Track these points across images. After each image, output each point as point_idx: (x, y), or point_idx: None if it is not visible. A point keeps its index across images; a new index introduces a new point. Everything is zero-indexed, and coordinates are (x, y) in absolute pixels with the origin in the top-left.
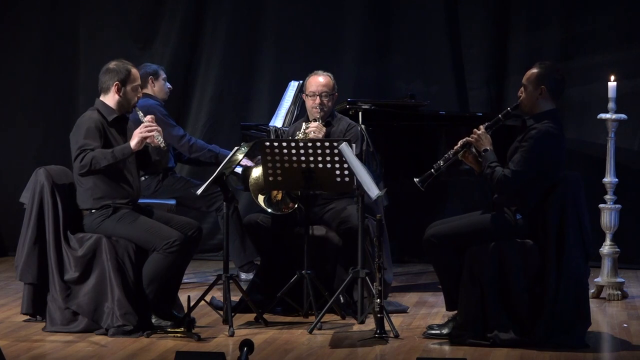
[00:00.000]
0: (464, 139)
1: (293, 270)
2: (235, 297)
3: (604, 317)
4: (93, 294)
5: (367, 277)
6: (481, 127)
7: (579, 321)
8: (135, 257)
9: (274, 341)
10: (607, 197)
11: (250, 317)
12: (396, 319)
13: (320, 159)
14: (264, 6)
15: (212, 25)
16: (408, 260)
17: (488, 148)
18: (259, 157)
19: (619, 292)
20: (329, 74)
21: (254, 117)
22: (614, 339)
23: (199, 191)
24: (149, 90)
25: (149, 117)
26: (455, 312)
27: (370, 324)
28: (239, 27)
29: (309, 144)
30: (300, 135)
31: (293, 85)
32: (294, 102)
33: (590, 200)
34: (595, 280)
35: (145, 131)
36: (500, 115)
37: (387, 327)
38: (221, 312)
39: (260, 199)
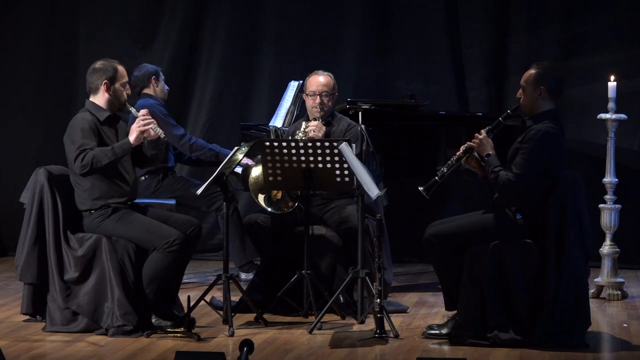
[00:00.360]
0: (466, 144)
1: (293, 270)
2: (235, 297)
3: (604, 317)
4: (93, 294)
5: (367, 277)
6: (482, 131)
7: (579, 321)
8: (135, 257)
9: (274, 341)
10: (607, 197)
11: (250, 317)
12: (396, 319)
13: (320, 158)
14: (264, 6)
15: (212, 25)
16: (408, 260)
17: (490, 152)
18: (259, 156)
19: (619, 292)
20: (329, 74)
21: (254, 117)
22: (613, 339)
23: (199, 191)
24: (150, 90)
25: (143, 110)
26: (455, 312)
27: (370, 324)
28: (239, 27)
29: (309, 144)
30: (300, 135)
31: (293, 85)
32: (294, 102)
33: (590, 200)
34: (595, 280)
35: (142, 125)
36: (500, 119)
37: (387, 327)
38: (221, 312)
39: (261, 198)
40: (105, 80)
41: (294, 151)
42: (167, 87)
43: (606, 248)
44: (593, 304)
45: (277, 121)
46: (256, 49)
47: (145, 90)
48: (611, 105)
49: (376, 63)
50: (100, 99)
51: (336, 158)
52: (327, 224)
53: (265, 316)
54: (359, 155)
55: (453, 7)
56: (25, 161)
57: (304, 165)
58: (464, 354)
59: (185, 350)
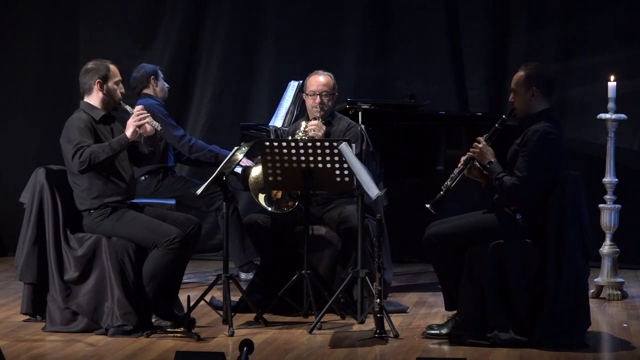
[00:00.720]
0: (466, 155)
1: (293, 270)
2: (235, 297)
3: (604, 317)
4: (93, 293)
5: (367, 277)
6: (480, 139)
7: (578, 321)
8: (135, 257)
9: (273, 341)
10: (607, 197)
11: (250, 317)
12: (396, 319)
13: (320, 158)
14: (264, 6)
15: (212, 25)
16: (408, 260)
17: (492, 160)
18: (259, 157)
19: (619, 292)
20: (329, 74)
21: (254, 117)
22: (613, 339)
23: (199, 191)
24: (149, 90)
25: (139, 106)
26: (455, 312)
27: (370, 323)
28: (239, 27)
29: (309, 144)
30: (300, 134)
31: (293, 85)
32: (293, 102)
33: (590, 200)
34: (595, 280)
35: (137, 119)
36: (497, 125)
37: (386, 327)
38: (221, 312)
39: (261, 197)
40: (98, 80)
41: (293, 151)
42: (167, 86)
43: (606, 248)
44: (593, 304)
45: (277, 121)
46: (256, 49)
47: (145, 91)
48: (611, 105)
49: (376, 63)
50: (94, 98)
51: (336, 158)
52: (327, 224)
53: (265, 316)
54: (358, 155)
55: (453, 7)
56: (25, 161)
57: (304, 165)
58: (464, 354)
59: (185, 350)
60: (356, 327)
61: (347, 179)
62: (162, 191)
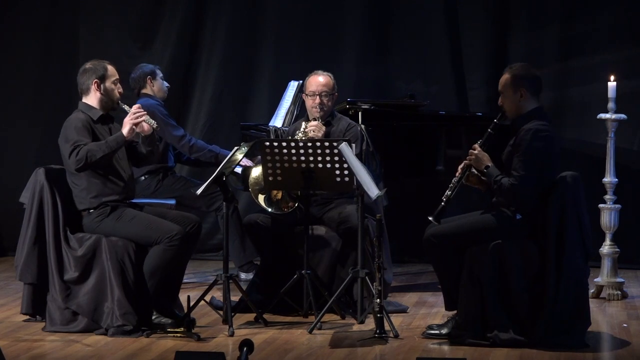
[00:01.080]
0: (463, 164)
1: (293, 270)
2: (235, 297)
3: (604, 317)
4: (93, 293)
5: (366, 277)
6: (475, 146)
7: (578, 321)
8: (135, 257)
9: (273, 341)
10: (607, 197)
11: (250, 317)
12: (396, 319)
13: (320, 158)
14: (264, 6)
15: (212, 25)
16: (408, 260)
17: (489, 165)
18: (259, 157)
19: (619, 292)
20: (329, 74)
21: (254, 117)
22: (613, 338)
23: (199, 191)
24: (147, 90)
25: (136, 105)
26: (455, 312)
27: (370, 323)
28: (239, 27)
29: (309, 144)
30: (299, 135)
31: (293, 85)
32: (293, 102)
33: (590, 200)
34: (595, 280)
35: (134, 117)
36: (489, 130)
37: (386, 327)
38: (221, 312)
39: (261, 198)
40: (96, 80)
41: (293, 151)
42: (167, 85)
43: (606, 248)
44: (593, 304)
45: (277, 121)
46: (256, 49)
47: (143, 91)
48: (611, 105)
49: (376, 63)
50: (92, 99)
51: (336, 158)
52: (327, 224)
53: (265, 316)
54: (358, 155)
55: (453, 7)
56: (25, 161)
57: (303, 165)
58: (464, 354)
59: (185, 350)
60: (356, 327)
61: (347, 179)
62: (162, 191)
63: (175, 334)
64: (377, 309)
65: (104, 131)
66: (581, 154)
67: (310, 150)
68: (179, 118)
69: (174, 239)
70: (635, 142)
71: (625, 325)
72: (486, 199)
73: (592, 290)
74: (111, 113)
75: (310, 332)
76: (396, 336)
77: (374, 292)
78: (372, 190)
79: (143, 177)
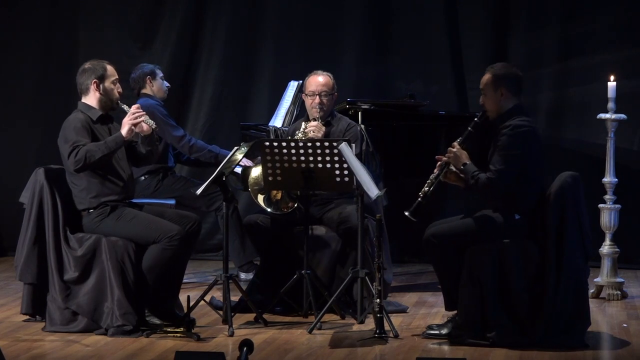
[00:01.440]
0: (441, 161)
1: (293, 270)
2: (235, 297)
3: (604, 317)
4: (93, 293)
5: (366, 277)
6: (454, 144)
7: (578, 321)
8: (135, 257)
9: (273, 341)
10: (607, 197)
11: (250, 317)
12: (396, 319)
13: (320, 158)
14: (264, 6)
15: (212, 25)
16: (408, 260)
17: (467, 162)
18: (259, 157)
19: (619, 292)
20: (329, 74)
21: (254, 117)
22: (613, 338)
23: (199, 191)
24: (147, 90)
25: (135, 105)
26: (455, 312)
27: (369, 323)
28: (239, 27)
29: (309, 144)
30: (299, 135)
31: (293, 85)
32: (293, 102)
33: (590, 200)
34: (595, 280)
35: (132, 118)
36: (470, 128)
37: (386, 327)
38: (221, 312)
39: (260, 198)
40: (95, 80)
41: (293, 151)
42: (167, 84)
43: (606, 248)
44: (593, 304)
45: (277, 121)
46: (256, 49)
47: (143, 91)
48: (611, 105)
49: (376, 63)
50: (91, 99)
51: (336, 158)
52: (327, 224)
53: (265, 316)
54: (358, 155)
55: (453, 7)
56: (25, 161)
57: (303, 165)
58: (464, 354)
59: (185, 350)
60: (356, 327)
61: (347, 179)
62: (162, 191)
63: (175, 334)
64: (377, 309)
65: (104, 131)
66: (581, 154)
67: (310, 150)
68: (179, 118)
69: (173, 239)
70: (635, 142)
71: (625, 325)
72: (469, 197)
73: (592, 290)
74: (110, 113)
75: (310, 332)
76: (396, 336)
77: (373, 292)
78: (372, 190)
79: (143, 177)
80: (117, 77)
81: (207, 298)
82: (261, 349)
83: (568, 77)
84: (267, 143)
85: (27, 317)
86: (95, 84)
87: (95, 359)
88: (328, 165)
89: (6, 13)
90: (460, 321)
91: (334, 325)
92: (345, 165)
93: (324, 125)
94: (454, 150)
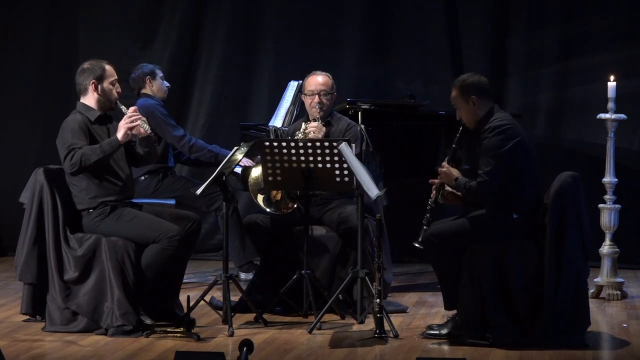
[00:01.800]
0: (435, 184)
1: (293, 270)
2: (235, 297)
3: (604, 317)
4: (93, 293)
5: (366, 277)
6: (444, 164)
7: (578, 321)
8: (135, 257)
9: (273, 341)
10: (607, 197)
11: (250, 317)
12: (396, 319)
13: (320, 159)
14: (264, 6)
15: (212, 25)
16: (408, 260)
17: (458, 177)
18: (259, 157)
19: (619, 292)
20: (327, 74)
21: (254, 117)
22: (613, 338)
23: (199, 191)
24: (147, 90)
25: (132, 108)
26: (455, 312)
27: (369, 323)
28: (239, 27)
29: (309, 144)
30: (299, 135)
31: (293, 85)
32: (293, 102)
33: (590, 200)
34: (595, 280)
35: (129, 121)
36: (454, 145)
37: (386, 327)
38: (221, 312)
39: (260, 198)
40: (93, 80)
41: (293, 151)
42: (167, 84)
43: (606, 248)
44: (593, 303)
45: (277, 121)
46: (256, 49)
47: (143, 91)
48: (611, 105)
49: (376, 63)
50: (90, 99)
51: (336, 158)
52: (327, 224)
53: (265, 316)
54: (358, 155)
55: (453, 7)
56: (25, 161)
57: (303, 165)
58: (464, 354)
59: (185, 350)
60: (356, 327)
61: (347, 179)
62: (162, 191)
63: (175, 334)
64: (377, 309)
65: (102, 132)
66: (581, 154)
67: (310, 151)
68: (179, 118)
69: (173, 239)
70: (635, 142)
71: (625, 325)
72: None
73: (591, 290)
74: (109, 113)
75: (310, 332)
76: (396, 336)
77: (373, 292)
78: (372, 190)
79: (143, 177)
80: (115, 77)
81: (207, 298)
82: (261, 349)
83: (568, 77)
84: (267, 143)
85: (27, 317)
86: (93, 85)
87: (95, 359)
88: (328, 165)
89: (6, 13)
90: (460, 321)
91: (334, 325)
92: (345, 165)
93: (323, 125)
94: (444, 169)
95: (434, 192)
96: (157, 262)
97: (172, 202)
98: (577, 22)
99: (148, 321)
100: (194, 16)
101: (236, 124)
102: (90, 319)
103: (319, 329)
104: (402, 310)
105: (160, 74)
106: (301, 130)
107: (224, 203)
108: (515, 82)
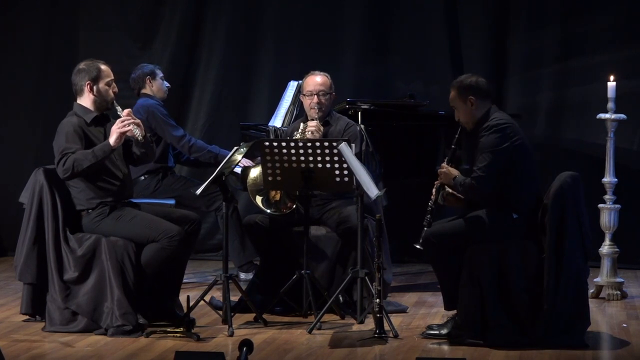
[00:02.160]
0: (435, 186)
1: (292, 270)
2: (235, 297)
3: (604, 317)
4: (92, 293)
5: (366, 277)
6: (443, 164)
7: (578, 321)
8: (135, 257)
9: (273, 341)
10: (607, 197)
11: (250, 317)
12: (395, 319)
13: (319, 159)
14: (264, 6)
15: (212, 25)
16: (408, 260)
17: (456, 175)
18: (259, 157)
19: (619, 292)
20: (326, 74)
21: (254, 117)
22: (613, 338)
23: (199, 191)
24: (147, 90)
25: (126, 110)
26: (455, 311)
27: (369, 323)
28: (239, 27)
29: (309, 144)
30: (298, 135)
31: (292, 85)
32: (293, 102)
33: (590, 200)
34: (595, 280)
35: (122, 126)
36: (453, 146)
37: (386, 327)
38: (220, 312)
39: (258, 199)
40: (88, 81)
41: (293, 151)
42: (167, 84)
43: (605, 248)
44: (592, 303)
45: (277, 121)
46: (256, 49)
47: (143, 91)
48: (611, 105)
49: (376, 63)
50: (86, 100)
51: (335, 158)
52: (327, 224)
53: (265, 316)
54: (358, 155)
55: (453, 7)
56: (25, 161)
57: (303, 165)
58: (464, 354)
59: (185, 350)
60: (356, 327)
61: (346, 179)
62: (161, 191)
63: (175, 334)
64: (377, 309)
65: (98, 133)
66: (581, 154)
67: (309, 151)
68: (179, 118)
69: (173, 239)
70: (635, 142)
71: (624, 325)
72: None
73: (591, 290)
74: (106, 112)
75: (309, 332)
76: (396, 336)
77: (373, 292)
78: (372, 190)
79: (143, 177)
80: (112, 77)
81: (207, 298)
82: (261, 349)
83: (568, 77)
84: (267, 143)
85: (27, 317)
86: (89, 86)
87: (95, 359)
88: (328, 165)
89: (6, 13)
90: (460, 321)
91: (333, 325)
92: (345, 165)
93: (322, 125)
94: (443, 170)
95: (434, 194)
96: (155, 260)
97: (172, 202)
98: (577, 22)
99: (141, 320)
100: (194, 16)
101: (236, 124)
102: (90, 319)
103: (319, 329)
104: (402, 310)
105: (160, 74)
106: (299, 130)
107: (223, 203)
108: (515, 82)
